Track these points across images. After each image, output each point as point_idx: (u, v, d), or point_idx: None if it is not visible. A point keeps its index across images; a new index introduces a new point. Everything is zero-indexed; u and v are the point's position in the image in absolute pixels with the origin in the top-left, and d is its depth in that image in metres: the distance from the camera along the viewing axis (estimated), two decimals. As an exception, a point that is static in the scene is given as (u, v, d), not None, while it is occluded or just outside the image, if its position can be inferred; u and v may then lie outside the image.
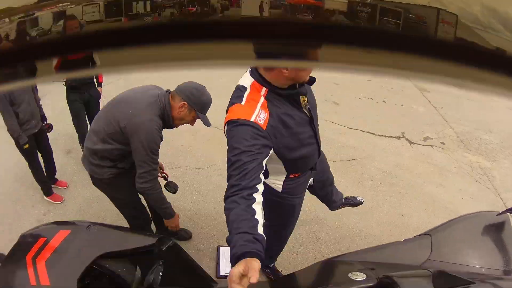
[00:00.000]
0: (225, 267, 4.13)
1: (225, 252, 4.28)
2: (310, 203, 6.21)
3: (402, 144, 8.93)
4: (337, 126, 8.73)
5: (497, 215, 4.01)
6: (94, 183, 4.25)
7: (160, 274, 3.39)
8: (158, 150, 3.60)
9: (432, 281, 2.44)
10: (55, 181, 6.65)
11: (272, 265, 5.07)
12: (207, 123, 3.70)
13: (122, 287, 3.63)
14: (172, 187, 4.70)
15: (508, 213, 4.12)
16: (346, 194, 6.28)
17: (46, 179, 6.32)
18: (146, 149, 3.47)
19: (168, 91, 3.69)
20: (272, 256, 4.84)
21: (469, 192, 7.68)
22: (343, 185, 6.64)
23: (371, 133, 8.92)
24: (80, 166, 5.23)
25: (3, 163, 7.22)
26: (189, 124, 3.88)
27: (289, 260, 5.43)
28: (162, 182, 4.50)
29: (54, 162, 6.54)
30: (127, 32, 0.55)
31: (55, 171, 6.63)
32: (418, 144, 9.21)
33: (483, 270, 3.34)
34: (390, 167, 7.60)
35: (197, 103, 3.56)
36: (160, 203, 4.04)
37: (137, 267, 3.92)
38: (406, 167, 7.81)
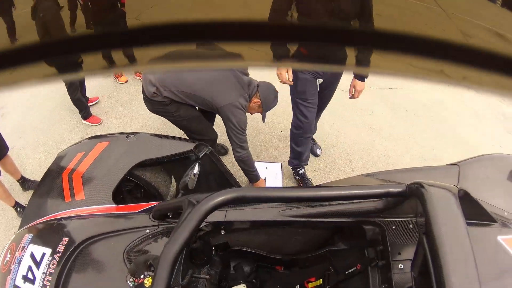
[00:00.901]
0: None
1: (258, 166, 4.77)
2: (342, 125, 6.35)
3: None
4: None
5: None
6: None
7: (196, 175, 3.57)
8: (246, 125, 4.17)
9: (456, 197, 2.39)
10: (87, 99, 6.66)
11: (303, 171, 5.41)
12: (264, 119, 4.37)
13: (155, 196, 3.78)
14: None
15: None
16: (380, 122, 6.34)
17: (83, 99, 6.36)
18: (238, 128, 4.07)
19: (258, 85, 4.22)
20: (300, 160, 5.23)
21: (500, 141, 7.43)
22: (378, 112, 6.66)
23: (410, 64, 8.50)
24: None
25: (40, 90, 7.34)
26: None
27: (321, 180, 5.58)
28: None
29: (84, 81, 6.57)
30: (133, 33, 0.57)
31: (85, 90, 6.63)
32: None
33: (505, 213, 3.28)
34: (426, 100, 7.45)
35: (268, 105, 4.21)
36: (251, 168, 4.52)
37: (172, 177, 4.09)
38: (442, 103, 7.64)
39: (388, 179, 3.38)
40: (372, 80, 7.26)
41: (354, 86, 4.26)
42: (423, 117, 6.99)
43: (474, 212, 2.65)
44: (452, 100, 7.81)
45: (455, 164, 3.60)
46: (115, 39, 0.58)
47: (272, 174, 5.32)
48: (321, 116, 5.51)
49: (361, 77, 4.23)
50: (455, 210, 2.21)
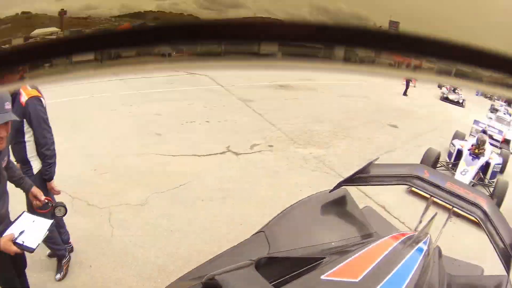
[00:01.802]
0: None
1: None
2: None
3: (228, 158, 9.06)
4: (162, 156, 8.63)
5: (330, 192, 4.43)
6: None
7: None
8: None
9: (255, 268, 2.62)
10: None
11: None
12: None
13: None
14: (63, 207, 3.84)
15: (345, 186, 4.61)
16: (175, 221, 6.25)
17: None
18: None
19: None
20: None
21: (307, 182, 8.09)
22: (174, 213, 6.55)
23: (195, 155, 8.92)
24: None
25: None
26: None
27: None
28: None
29: None
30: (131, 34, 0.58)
31: None
32: (245, 153, 9.41)
33: (333, 244, 3.61)
34: (218, 182, 7.68)
35: None
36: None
37: None
38: (236, 178, 7.95)
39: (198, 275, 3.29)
40: (162, 184, 7.43)
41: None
42: (221, 198, 7.19)
43: (278, 265, 2.92)
44: (243, 171, 8.30)
45: (260, 231, 3.76)
46: (116, 39, 0.58)
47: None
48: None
49: None
50: (258, 280, 2.48)
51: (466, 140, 13.03)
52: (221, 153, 9.25)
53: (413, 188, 5.50)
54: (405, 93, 29.07)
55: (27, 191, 3.67)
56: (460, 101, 30.59)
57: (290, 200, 4.69)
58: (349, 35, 0.56)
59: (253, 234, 3.82)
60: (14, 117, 2.96)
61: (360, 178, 4.68)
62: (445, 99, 31.18)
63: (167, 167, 8.08)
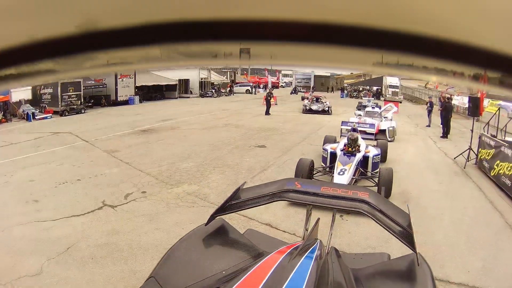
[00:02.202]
0: None
1: None
2: None
3: (106, 212, 9.52)
4: (44, 222, 8.83)
5: (205, 225, 4.61)
6: None
7: None
8: None
9: None
10: None
11: None
12: None
13: None
14: None
15: (219, 216, 4.77)
16: (70, 281, 6.55)
17: None
18: None
19: None
20: None
21: (187, 220, 8.77)
22: (70, 276, 6.74)
23: (74, 215, 9.26)
24: None
25: None
26: None
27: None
28: None
29: None
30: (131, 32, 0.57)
31: None
32: (121, 204, 9.99)
33: (224, 272, 3.74)
34: (103, 239, 8.03)
35: None
36: None
37: None
38: (119, 230, 8.41)
39: None
40: (40, 252, 7.68)
41: None
42: (104, 257, 7.52)
43: None
44: (121, 222, 8.72)
45: (151, 277, 3.75)
46: (116, 39, 0.59)
47: None
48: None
49: None
50: None
51: (338, 142, 13.70)
52: (98, 209, 9.67)
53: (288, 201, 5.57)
54: (267, 113, 29.40)
55: None
56: (326, 109, 33.64)
57: (175, 240, 5.08)
58: (347, 34, 0.57)
59: (144, 282, 3.77)
60: None
61: (232, 205, 4.81)
62: (309, 110, 33.19)
63: (52, 232, 8.32)
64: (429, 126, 23.91)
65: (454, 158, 15.83)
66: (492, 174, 12.81)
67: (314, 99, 36.09)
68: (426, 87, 57.37)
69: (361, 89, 64.94)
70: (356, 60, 0.66)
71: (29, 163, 14.13)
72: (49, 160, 14.79)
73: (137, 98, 45.22)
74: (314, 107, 33.60)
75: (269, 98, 32.17)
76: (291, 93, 61.28)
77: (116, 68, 0.71)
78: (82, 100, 38.42)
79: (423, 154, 17.60)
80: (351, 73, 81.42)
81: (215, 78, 65.28)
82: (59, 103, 36.19)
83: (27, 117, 33.68)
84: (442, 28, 0.57)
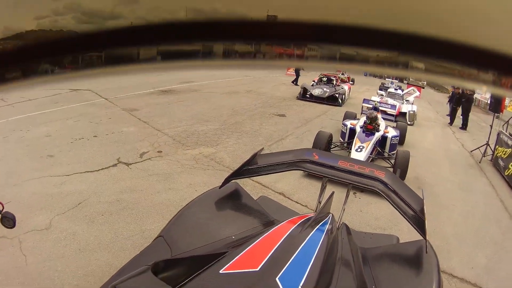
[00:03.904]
0: None
1: None
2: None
3: (120, 169, 9.52)
4: (57, 178, 8.86)
5: (219, 188, 4.67)
6: None
7: None
8: None
9: (154, 273, 2.72)
10: None
11: None
12: None
13: None
14: (11, 219, 3.59)
15: (235, 180, 4.85)
16: (81, 240, 6.54)
17: None
18: None
19: None
20: None
21: (200, 182, 8.75)
22: (79, 232, 6.81)
23: (88, 171, 9.27)
24: None
25: None
26: None
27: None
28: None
29: None
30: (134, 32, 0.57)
31: None
32: (135, 162, 9.97)
33: (233, 237, 3.78)
34: (115, 195, 8.06)
35: None
36: None
37: None
38: (132, 188, 8.40)
39: None
40: (60, 207, 7.68)
41: None
42: (119, 210, 7.57)
43: (173, 266, 2.97)
44: (137, 180, 8.73)
45: (159, 236, 3.84)
46: (116, 38, 0.60)
47: None
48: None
49: None
50: (157, 284, 2.62)
51: (358, 119, 13.62)
52: (112, 166, 9.67)
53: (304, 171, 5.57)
54: (296, 83, 28.50)
55: None
56: (336, 95, 23.46)
57: (187, 201, 5.07)
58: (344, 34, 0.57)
59: (153, 240, 3.85)
60: None
61: (248, 170, 4.87)
62: (306, 96, 23.65)
63: (64, 187, 8.35)
64: (449, 115, 23.46)
65: (471, 151, 15.61)
66: (506, 173, 12.48)
67: (323, 78, 25.94)
68: None
69: None
70: (356, 61, 0.66)
71: (46, 119, 14.11)
72: (66, 116, 14.77)
73: (159, 57, 45.21)
74: (316, 92, 23.28)
75: (299, 69, 30.87)
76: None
77: (116, 69, 0.70)
78: (103, 58, 38.50)
79: (441, 142, 17.47)
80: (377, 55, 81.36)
81: None
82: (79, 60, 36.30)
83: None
84: (442, 28, 0.58)
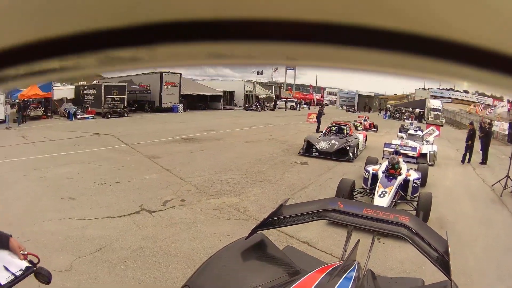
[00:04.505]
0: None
1: None
2: None
3: (143, 217, 9.56)
4: (79, 221, 8.94)
5: (246, 239, 4.73)
6: None
7: None
8: None
9: None
10: None
11: None
12: None
13: None
14: (46, 276, 3.40)
15: (260, 231, 4.90)
16: (103, 285, 6.52)
17: None
18: None
19: None
20: None
21: (224, 231, 8.69)
22: (100, 276, 6.75)
23: (110, 217, 9.34)
24: None
25: None
26: None
27: None
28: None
29: None
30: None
31: None
32: (158, 210, 10.00)
33: (259, 287, 3.81)
34: (138, 242, 8.04)
35: None
36: None
37: None
38: (155, 236, 8.39)
39: None
40: (80, 250, 7.68)
41: None
42: (142, 257, 7.48)
43: None
44: (159, 228, 8.68)
45: (185, 285, 3.91)
46: (116, 38, 0.60)
47: None
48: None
49: None
50: None
51: (380, 164, 13.69)
52: (135, 213, 9.72)
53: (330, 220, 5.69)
54: (318, 130, 28.13)
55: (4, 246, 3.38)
56: (346, 147, 19.89)
57: (211, 250, 5.04)
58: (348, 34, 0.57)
59: None
60: None
61: (274, 221, 4.92)
62: (309, 151, 20.21)
63: (86, 231, 8.38)
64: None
65: (492, 186, 15.50)
66: (527, 204, 12.29)
67: (333, 127, 22.65)
68: (468, 112, 58.55)
69: (403, 110, 65.63)
70: (357, 60, 0.65)
71: (68, 161, 14.46)
72: (88, 159, 15.14)
73: (181, 106, 46.54)
74: (322, 145, 19.85)
75: (320, 115, 31.27)
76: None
77: (116, 67, 0.70)
78: (126, 104, 39.45)
79: (462, 179, 17.41)
80: (394, 94, 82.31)
81: (260, 91, 67.28)
82: (102, 105, 37.36)
83: (69, 116, 34.82)
84: (442, 28, 0.57)
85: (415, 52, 0.60)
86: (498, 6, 0.54)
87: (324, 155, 19.32)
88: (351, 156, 19.55)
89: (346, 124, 23.17)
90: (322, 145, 19.69)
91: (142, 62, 0.67)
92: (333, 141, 19.90)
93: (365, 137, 24.03)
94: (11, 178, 11.99)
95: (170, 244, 8.09)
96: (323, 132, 22.34)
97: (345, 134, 21.60)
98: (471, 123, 22.90)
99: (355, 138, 21.47)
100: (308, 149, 20.08)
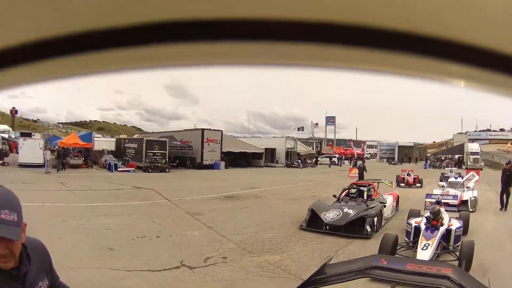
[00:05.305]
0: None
1: None
2: None
3: (183, 272, 9.51)
4: (116, 271, 9.00)
5: None
6: None
7: None
8: None
9: None
10: None
11: None
12: None
13: None
14: None
15: None
16: None
17: None
18: None
19: None
20: None
21: None
22: None
23: (149, 270, 9.35)
24: None
25: None
26: None
27: None
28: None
29: None
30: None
31: None
32: (199, 267, 9.93)
33: None
34: None
35: None
36: None
37: None
38: None
39: None
40: None
41: None
42: None
43: None
44: (200, 285, 8.54)
45: None
46: (116, 38, 0.60)
47: None
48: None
49: None
50: None
51: (422, 216, 13.40)
52: (175, 268, 9.67)
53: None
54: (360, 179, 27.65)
55: None
56: (364, 214, 14.72)
57: None
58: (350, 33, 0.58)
59: None
60: (14, 234, 2.35)
61: (317, 280, 4.91)
62: (311, 224, 14.89)
63: (123, 282, 8.45)
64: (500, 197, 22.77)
65: None
66: None
67: (351, 190, 17.83)
68: (505, 151, 59.10)
69: (443, 158, 66.34)
70: (357, 60, 0.67)
71: (107, 212, 14.72)
72: (128, 212, 15.38)
73: (222, 163, 47.27)
74: (329, 216, 14.93)
75: (362, 171, 31.59)
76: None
77: (115, 66, 0.72)
78: (167, 159, 40.12)
79: (503, 223, 17.15)
80: (433, 142, 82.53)
81: (301, 148, 69.08)
82: (143, 159, 38.28)
83: (109, 167, 35.77)
84: (442, 28, 0.59)
85: (415, 52, 0.62)
86: (498, 7, 0.57)
87: (333, 229, 14.42)
88: (368, 230, 14.43)
89: (369, 184, 19.03)
90: (330, 215, 14.97)
91: (142, 62, 0.69)
92: (345, 210, 15.30)
93: (396, 199, 19.55)
94: (49, 222, 12.31)
95: (212, 302, 7.93)
96: (337, 197, 17.43)
97: (365, 198, 17.10)
98: (508, 162, 22.21)
99: (380, 203, 16.80)
100: (314, 221, 15.20)
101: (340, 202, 16.41)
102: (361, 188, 17.93)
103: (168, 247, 11.45)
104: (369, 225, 14.43)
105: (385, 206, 16.70)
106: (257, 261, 10.78)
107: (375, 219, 14.88)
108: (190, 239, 12.55)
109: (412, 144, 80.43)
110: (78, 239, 10.90)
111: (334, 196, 17.56)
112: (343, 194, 17.54)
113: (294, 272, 9.94)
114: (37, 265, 2.77)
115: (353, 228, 14.43)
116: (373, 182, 19.61)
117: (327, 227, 14.38)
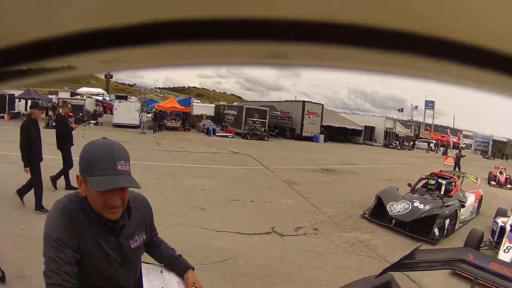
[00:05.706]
0: None
1: None
2: None
3: (273, 238, 9.62)
4: (206, 230, 9.25)
5: (375, 277, 4.62)
6: None
7: None
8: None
9: None
10: None
11: None
12: (100, 186, 2.35)
13: None
14: None
15: (390, 272, 4.76)
16: None
17: None
18: None
19: None
20: None
21: (352, 266, 8.45)
22: (217, 286, 6.97)
23: (240, 233, 9.54)
24: None
25: None
26: None
27: None
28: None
29: None
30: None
31: None
32: (289, 235, 9.99)
33: None
34: (263, 261, 8.09)
35: (83, 165, 2.45)
36: None
37: None
38: (280, 259, 8.37)
39: None
40: (204, 257, 7.92)
41: None
42: (265, 277, 7.49)
43: None
44: (288, 252, 8.63)
45: None
46: (116, 38, 0.61)
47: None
48: None
49: None
50: None
51: (509, 216, 12.60)
52: (266, 233, 9.82)
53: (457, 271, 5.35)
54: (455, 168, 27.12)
55: (181, 274, 3.18)
56: (434, 212, 12.18)
57: (334, 283, 4.86)
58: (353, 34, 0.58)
59: None
60: (134, 183, 2.49)
61: (405, 264, 4.84)
62: (375, 216, 12.79)
63: (211, 241, 8.67)
64: None
65: None
66: None
67: (429, 182, 15.70)
68: None
69: None
70: (357, 60, 0.66)
71: (202, 173, 15.03)
72: (224, 175, 15.76)
73: (322, 136, 47.54)
74: (396, 209, 12.73)
75: (458, 161, 30.96)
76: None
77: (115, 66, 0.71)
78: (266, 128, 40.50)
79: None
80: None
81: (400, 130, 67.99)
82: (242, 126, 38.77)
83: (207, 132, 36.81)
84: (442, 28, 0.58)
85: (415, 52, 0.61)
86: (498, 6, 0.54)
87: (397, 225, 12.17)
88: (436, 233, 11.90)
89: (450, 177, 16.19)
90: (397, 208, 12.82)
91: (142, 62, 0.69)
92: (416, 204, 12.98)
93: (479, 199, 16.30)
94: (142, 179, 12.61)
95: (295, 269, 8.05)
96: (412, 186, 15.13)
97: (444, 193, 14.81)
98: None
99: (459, 201, 13.92)
100: (379, 211, 13.13)
101: (413, 194, 14.22)
102: (440, 180, 15.54)
103: (261, 212, 11.62)
104: (438, 227, 11.97)
105: (463, 206, 13.86)
106: (347, 237, 10.72)
107: (447, 221, 12.27)
108: (284, 207, 12.65)
109: (506, 140, 76.10)
110: (170, 198, 11.31)
111: (409, 185, 15.24)
112: (420, 184, 15.46)
113: (381, 253, 9.79)
114: (137, 219, 2.87)
115: (421, 227, 11.96)
116: (455, 175, 16.69)
117: (393, 221, 12.29)
